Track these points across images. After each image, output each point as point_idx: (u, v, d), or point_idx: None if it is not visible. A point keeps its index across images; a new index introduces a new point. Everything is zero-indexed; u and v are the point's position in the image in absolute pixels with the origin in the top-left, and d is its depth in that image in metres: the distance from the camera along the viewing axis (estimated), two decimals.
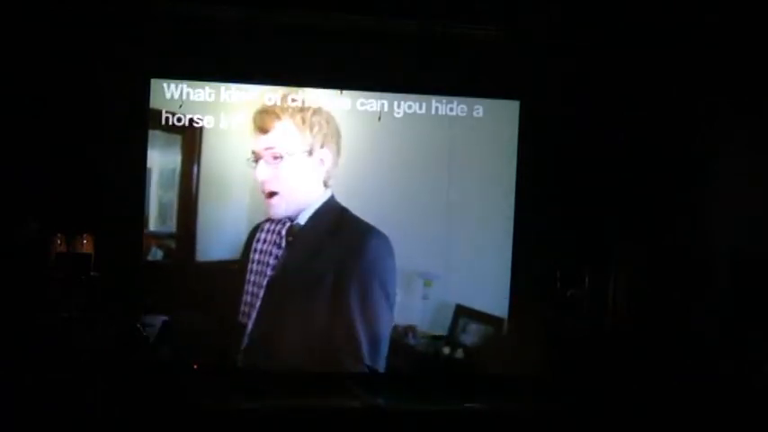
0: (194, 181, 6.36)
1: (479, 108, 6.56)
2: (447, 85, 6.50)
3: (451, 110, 6.54)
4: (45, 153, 5.98)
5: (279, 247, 6.33)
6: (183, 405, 5.35)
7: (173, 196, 6.36)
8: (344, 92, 6.43)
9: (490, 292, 6.54)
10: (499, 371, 6.41)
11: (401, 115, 6.50)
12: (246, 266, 6.36)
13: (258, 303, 6.32)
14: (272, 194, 6.35)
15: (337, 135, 6.46)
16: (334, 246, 6.38)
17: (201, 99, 6.31)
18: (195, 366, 5.65)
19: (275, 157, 6.35)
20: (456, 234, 6.50)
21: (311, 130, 6.42)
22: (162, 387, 5.42)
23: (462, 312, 6.50)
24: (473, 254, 6.51)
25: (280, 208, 6.37)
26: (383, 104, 6.48)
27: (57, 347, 5.40)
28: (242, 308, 6.33)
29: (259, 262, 6.36)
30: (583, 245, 6.46)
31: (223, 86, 6.32)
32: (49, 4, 5.93)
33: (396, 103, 6.49)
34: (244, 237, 6.37)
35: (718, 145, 6.17)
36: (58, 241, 5.80)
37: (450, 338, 6.50)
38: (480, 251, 6.52)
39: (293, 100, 6.41)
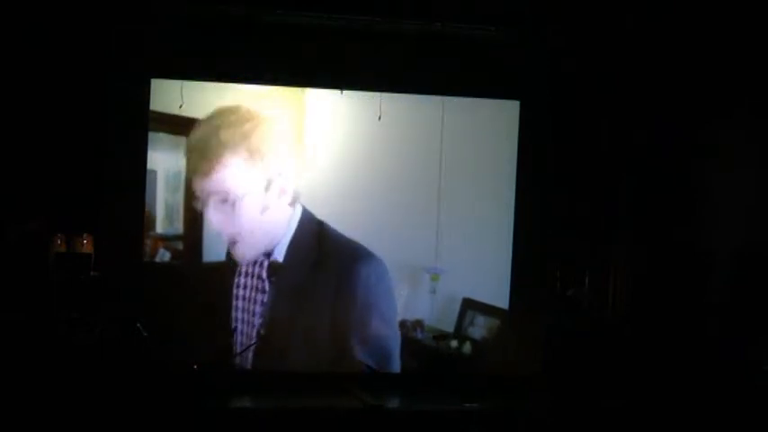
0: None
1: (480, 108, 6.55)
2: (447, 85, 6.50)
3: (451, 110, 6.54)
4: (45, 153, 5.98)
5: (263, 292, 6.18)
6: (183, 405, 5.35)
7: (179, 198, 6.32)
8: (345, 92, 6.43)
9: (494, 290, 6.56)
10: (500, 370, 6.42)
11: (401, 115, 6.49)
12: (231, 302, 6.23)
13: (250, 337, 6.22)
14: (232, 242, 6.10)
15: (297, 137, 6.23)
16: (321, 283, 6.21)
17: (201, 99, 6.30)
18: (195, 366, 5.64)
19: (224, 202, 6.11)
20: (458, 231, 6.50)
21: (262, 159, 6.10)
22: (162, 387, 5.42)
23: (470, 305, 6.52)
24: (476, 251, 6.52)
25: (243, 254, 6.16)
26: (382, 104, 6.47)
27: (57, 347, 5.40)
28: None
29: (244, 310, 6.19)
30: (583, 245, 6.46)
31: (223, 86, 6.31)
32: (49, 4, 5.93)
33: (395, 102, 6.48)
34: None
35: (718, 145, 6.17)
36: (58, 241, 5.79)
37: (458, 332, 6.51)
38: (482, 250, 6.54)
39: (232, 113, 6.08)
